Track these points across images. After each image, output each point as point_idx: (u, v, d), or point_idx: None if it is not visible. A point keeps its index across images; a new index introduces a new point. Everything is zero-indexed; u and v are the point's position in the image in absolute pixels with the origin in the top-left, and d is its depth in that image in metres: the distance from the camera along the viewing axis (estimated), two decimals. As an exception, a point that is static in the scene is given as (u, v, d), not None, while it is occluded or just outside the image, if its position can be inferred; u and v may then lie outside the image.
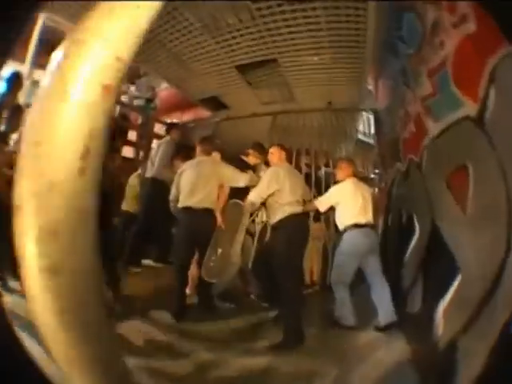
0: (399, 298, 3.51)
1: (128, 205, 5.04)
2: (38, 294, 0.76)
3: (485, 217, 1.89)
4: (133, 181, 5.21)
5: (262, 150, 4.48)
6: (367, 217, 3.75)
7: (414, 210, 3.26)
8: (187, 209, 3.90)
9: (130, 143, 6.36)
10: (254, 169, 4.38)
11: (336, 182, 4.17)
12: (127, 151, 6.24)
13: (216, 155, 4.28)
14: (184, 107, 6.90)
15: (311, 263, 5.06)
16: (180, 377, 2.67)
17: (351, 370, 2.77)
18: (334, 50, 4.46)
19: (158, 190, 4.75)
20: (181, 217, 4.01)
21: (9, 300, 2.00)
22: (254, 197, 3.74)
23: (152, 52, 4.83)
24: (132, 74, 6.44)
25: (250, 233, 4.54)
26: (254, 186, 3.87)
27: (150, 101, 6.55)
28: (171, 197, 4.14)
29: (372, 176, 5.73)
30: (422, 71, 2.81)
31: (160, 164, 4.92)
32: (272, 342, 3.21)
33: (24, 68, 4.74)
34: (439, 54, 2.45)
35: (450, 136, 2.35)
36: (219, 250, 3.88)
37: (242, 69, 4.97)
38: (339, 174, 4.08)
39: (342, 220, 3.79)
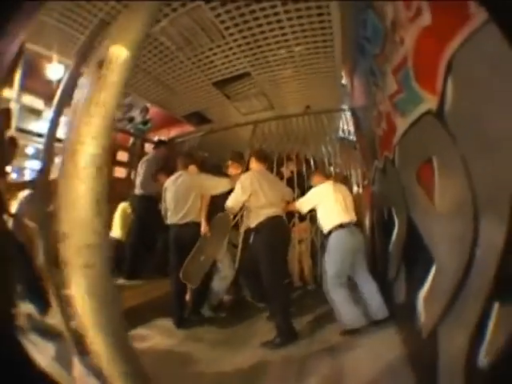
0: (387, 290, 3.52)
1: (116, 232, 5.02)
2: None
3: (451, 208, 1.91)
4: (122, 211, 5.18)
5: (241, 159, 4.54)
6: (350, 215, 3.70)
7: (392, 205, 3.27)
8: (173, 226, 4.01)
9: (120, 164, 6.35)
10: None
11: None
12: (119, 172, 6.26)
13: (192, 168, 4.28)
14: (170, 124, 6.93)
15: (300, 264, 5.05)
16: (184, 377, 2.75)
17: (344, 359, 2.83)
18: (303, 57, 4.51)
19: (147, 205, 4.80)
20: (170, 233, 4.03)
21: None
22: (231, 202, 3.79)
23: (134, 78, 4.88)
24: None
25: (233, 243, 4.60)
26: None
27: (146, 122, 6.58)
28: (163, 213, 4.19)
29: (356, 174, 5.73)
30: (387, 70, 2.81)
31: (144, 180, 4.95)
32: (265, 339, 3.28)
33: (12, 93, 4.74)
34: (400, 51, 2.45)
35: (414, 131, 2.36)
36: (202, 258, 3.86)
37: (219, 85, 5.03)
38: (313, 182, 4.10)
39: (326, 222, 3.71)
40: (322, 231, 3.95)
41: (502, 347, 1.31)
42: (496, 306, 1.41)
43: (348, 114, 5.70)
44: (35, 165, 5.21)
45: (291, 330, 3.31)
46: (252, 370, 2.81)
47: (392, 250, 3.32)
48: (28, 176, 6.69)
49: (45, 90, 5.40)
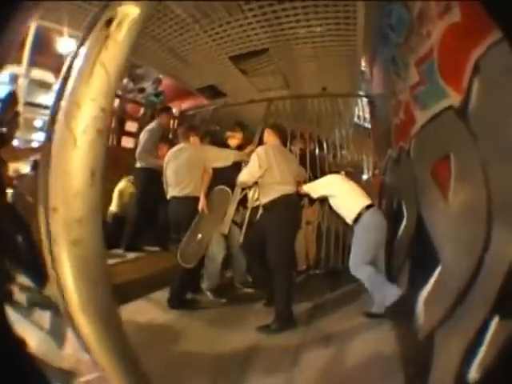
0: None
1: (117, 207, 5.01)
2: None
3: (464, 211, 1.89)
4: (124, 186, 5.16)
5: (241, 129, 4.51)
6: (371, 199, 3.59)
7: (403, 198, 3.26)
8: (172, 199, 3.88)
9: (129, 134, 6.28)
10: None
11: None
12: (126, 142, 6.20)
13: (194, 139, 4.12)
14: (183, 96, 6.83)
15: (306, 247, 4.94)
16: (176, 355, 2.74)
17: (337, 351, 2.83)
18: (325, 38, 4.41)
19: (148, 178, 4.67)
20: (168, 207, 3.96)
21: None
22: (244, 177, 3.69)
23: (146, 47, 4.79)
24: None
25: (235, 222, 4.37)
26: (241, 163, 3.91)
27: (158, 94, 6.49)
28: (164, 186, 4.06)
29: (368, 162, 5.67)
30: (411, 61, 2.76)
31: (142, 150, 4.74)
32: (262, 322, 3.24)
33: (21, 68, 4.68)
34: (426, 44, 2.40)
35: (434, 125, 2.33)
36: (199, 236, 3.75)
37: (236, 59, 4.93)
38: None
39: (350, 208, 3.55)
40: (336, 216, 3.88)
41: (493, 363, 1.31)
42: (495, 319, 1.40)
43: (364, 100, 5.61)
44: (42, 137, 5.25)
45: (290, 316, 3.27)
46: (246, 353, 2.79)
47: (398, 243, 3.33)
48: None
49: (55, 65, 5.37)
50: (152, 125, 5.00)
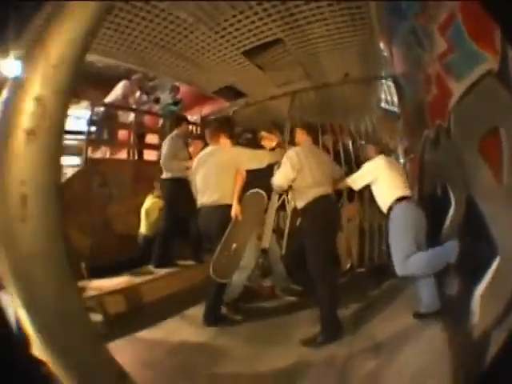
0: (436, 280, 3.14)
1: (145, 228, 4.91)
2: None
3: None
4: (149, 205, 5.02)
5: (277, 129, 4.18)
6: (410, 190, 3.34)
7: (447, 180, 2.94)
8: (202, 207, 3.58)
9: (150, 146, 6.27)
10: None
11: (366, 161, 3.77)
12: (149, 154, 6.19)
13: (224, 141, 3.75)
14: (202, 102, 6.75)
15: (348, 246, 4.73)
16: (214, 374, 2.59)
17: (387, 361, 2.56)
18: (337, 19, 4.19)
19: (175, 188, 4.52)
20: (198, 217, 3.65)
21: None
22: (279, 180, 3.46)
23: (155, 57, 4.81)
24: (140, 81, 6.39)
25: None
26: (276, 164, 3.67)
27: (177, 103, 6.42)
28: (194, 194, 3.79)
29: (401, 146, 5.36)
30: (433, 29, 2.52)
31: (166, 158, 4.55)
32: (306, 335, 2.99)
33: None
34: (446, 7, 2.20)
35: (474, 96, 2.05)
36: (233, 246, 3.42)
37: (249, 54, 4.78)
38: (369, 154, 3.73)
39: (386, 197, 3.32)
40: (378, 211, 3.61)
41: None
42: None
43: (390, 83, 5.31)
44: (72, 161, 5.19)
45: (337, 325, 3.02)
46: (290, 370, 2.56)
47: (445, 233, 3.00)
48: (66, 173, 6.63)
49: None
50: (172, 134, 4.83)
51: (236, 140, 4.16)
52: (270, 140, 4.04)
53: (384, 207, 3.33)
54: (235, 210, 3.46)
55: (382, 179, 3.37)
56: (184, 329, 3.30)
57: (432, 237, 3.31)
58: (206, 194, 3.55)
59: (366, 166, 3.57)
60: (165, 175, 4.58)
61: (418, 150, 4.05)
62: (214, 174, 3.55)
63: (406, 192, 3.26)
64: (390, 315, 3.29)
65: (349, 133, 5.30)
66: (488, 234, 1.95)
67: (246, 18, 4.07)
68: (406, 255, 3.05)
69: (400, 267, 3.08)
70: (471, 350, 2.06)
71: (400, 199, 3.19)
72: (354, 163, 4.70)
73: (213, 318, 3.37)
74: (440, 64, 2.56)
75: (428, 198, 3.79)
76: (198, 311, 3.49)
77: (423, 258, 3.00)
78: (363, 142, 5.17)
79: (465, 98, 2.17)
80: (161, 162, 4.62)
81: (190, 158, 4.42)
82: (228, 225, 3.43)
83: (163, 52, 4.70)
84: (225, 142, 3.74)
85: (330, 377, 2.49)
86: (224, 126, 3.96)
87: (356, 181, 3.56)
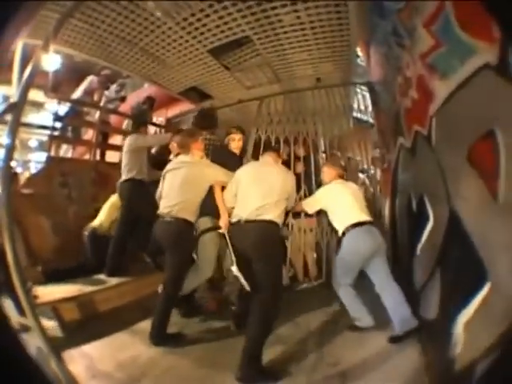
0: (412, 298, 2.93)
1: (102, 225, 4.38)
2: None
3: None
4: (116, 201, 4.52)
5: (241, 131, 3.89)
6: (364, 215, 3.31)
7: (425, 193, 2.61)
8: (160, 216, 3.34)
9: (114, 148, 5.86)
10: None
11: (321, 185, 3.78)
12: (111, 156, 5.78)
13: (197, 152, 3.54)
14: (169, 103, 6.42)
15: (304, 257, 4.67)
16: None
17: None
18: (313, 19, 3.90)
19: (136, 190, 4.22)
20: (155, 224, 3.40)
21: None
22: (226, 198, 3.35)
23: (121, 52, 4.49)
24: (106, 79, 5.99)
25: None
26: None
27: (123, 99, 6.06)
28: (156, 199, 3.57)
29: (375, 155, 5.09)
30: (417, 23, 2.22)
31: (129, 163, 4.28)
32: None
33: (12, 88, 4.30)
34: None
35: (465, 95, 1.70)
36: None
37: (216, 52, 4.44)
38: (324, 178, 3.73)
39: (339, 223, 3.34)
40: (335, 235, 3.73)
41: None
42: None
43: (364, 91, 5.05)
44: (39, 157, 4.94)
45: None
46: None
47: (423, 250, 2.67)
48: (33, 168, 6.44)
49: (43, 82, 5.22)
50: (131, 138, 4.45)
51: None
52: (236, 141, 3.78)
53: (339, 232, 3.35)
54: (224, 221, 3.25)
55: (335, 205, 3.41)
56: (134, 344, 3.07)
57: (409, 254, 3.05)
58: (167, 203, 3.32)
59: (320, 192, 3.62)
60: (124, 176, 4.23)
61: (391, 160, 3.77)
62: (179, 185, 3.33)
63: (361, 217, 3.26)
64: (358, 337, 3.02)
65: (313, 146, 5.09)
66: (475, 256, 1.62)
67: (215, 13, 3.73)
68: (344, 281, 3.24)
69: (335, 286, 3.33)
70: (454, 381, 1.75)
71: (352, 226, 3.21)
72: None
73: (159, 338, 3.10)
74: (423, 63, 2.24)
75: (402, 214, 3.51)
76: (147, 326, 3.21)
77: (353, 299, 3.24)
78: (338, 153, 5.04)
79: (453, 97, 1.82)
80: (124, 163, 4.30)
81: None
82: (181, 240, 3.27)
83: (129, 47, 4.38)
84: (197, 153, 3.54)
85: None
86: (195, 133, 3.71)
87: (309, 205, 3.64)
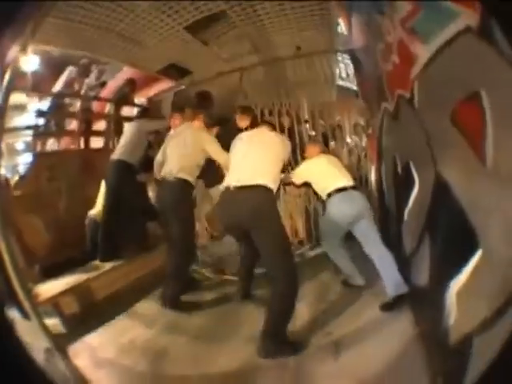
0: (402, 265, 2.92)
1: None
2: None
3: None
4: None
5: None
6: (346, 180, 3.40)
7: (410, 158, 2.58)
8: (162, 180, 3.59)
9: (97, 133, 5.75)
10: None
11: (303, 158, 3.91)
12: (95, 142, 5.66)
13: (200, 124, 3.82)
14: (150, 83, 6.26)
15: (292, 221, 4.75)
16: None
17: (348, 358, 2.34)
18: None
19: (125, 172, 4.21)
20: (158, 189, 3.79)
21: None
22: None
23: (96, 40, 4.37)
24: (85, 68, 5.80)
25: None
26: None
27: (103, 84, 5.91)
28: (156, 164, 3.78)
29: (358, 122, 5.05)
30: (396, -11, 2.10)
31: (129, 145, 4.32)
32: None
33: None
34: None
35: (447, 57, 1.64)
36: None
37: (192, 29, 4.33)
38: (308, 155, 3.84)
39: (322, 190, 3.45)
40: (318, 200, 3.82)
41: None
42: None
43: (346, 59, 4.95)
44: (27, 159, 5.04)
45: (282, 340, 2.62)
46: (239, 372, 2.36)
47: (410, 216, 2.66)
48: (22, 170, 6.34)
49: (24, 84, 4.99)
50: (136, 125, 4.57)
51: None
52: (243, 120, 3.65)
53: (323, 198, 3.48)
54: None
55: (318, 176, 3.51)
56: (133, 327, 3.13)
57: (397, 219, 3.03)
58: (169, 166, 3.55)
59: (304, 164, 3.73)
60: (117, 156, 4.24)
61: (375, 126, 3.72)
62: (183, 149, 3.56)
63: (342, 183, 3.35)
64: (350, 307, 3.02)
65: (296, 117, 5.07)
66: (465, 222, 1.58)
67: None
68: (332, 241, 3.39)
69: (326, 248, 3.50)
70: (449, 357, 1.73)
71: (334, 191, 3.31)
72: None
73: (176, 301, 3.30)
74: (403, 28, 2.16)
75: (388, 180, 3.51)
76: (144, 307, 3.45)
77: (344, 261, 3.40)
78: (322, 122, 5.06)
79: (434, 60, 1.76)
80: (122, 144, 4.38)
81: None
82: (183, 198, 3.49)
83: (104, 34, 4.26)
84: (200, 124, 3.82)
85: (283, 378, 2.25)
86: (203, 107, 4.10)
87: (295, 176, 3.70)
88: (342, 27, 4.41)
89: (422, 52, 1.92)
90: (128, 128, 4.47)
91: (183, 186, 3.45)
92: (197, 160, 3.58)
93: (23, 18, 1.68)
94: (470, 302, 1.59)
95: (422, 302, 2.43)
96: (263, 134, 3.26)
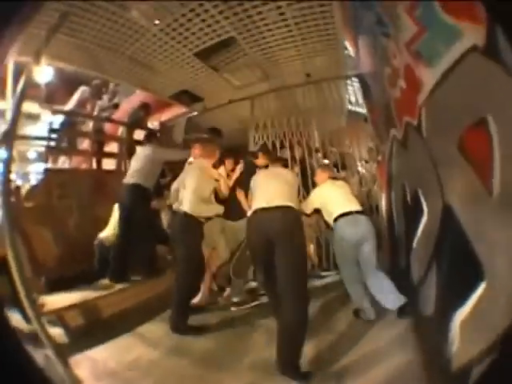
0: (410, 296, 2.83)
1: (109, 237, 4.35)
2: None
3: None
4: None
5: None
6: (353, 205, 3.39)
7: (418, 186, 2.45)
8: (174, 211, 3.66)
9: (109, 155, 5.77)
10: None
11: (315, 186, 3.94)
12: (108, 164, 5.69)
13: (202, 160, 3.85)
14: (162, 108, 6.30)
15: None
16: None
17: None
18: (296, 16, 3.80)
19: (140, 195, 4.18)
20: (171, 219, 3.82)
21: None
22: None
23: (109, 61, 4.39)
24: (98, 88, 5.91)
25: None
26: None
27: (116, 106, 5.98)
28: (172, 191, 3.85)
29: (370, 146, 4.94)
30: (400, 11, 2.07)
31: (144, 170, 4.29)
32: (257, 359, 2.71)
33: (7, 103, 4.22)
34: None
35: (453, 81, 1.54)
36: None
37: (202, 55, 4.33)
38: (317, 181, 3.88)
39: (329, 215, 3.44)
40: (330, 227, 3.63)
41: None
42: None
43: (355, 82, 4.89)
44: (38, 168, 5.17)
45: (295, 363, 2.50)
46: None
47: (419, 244, 2.52)
48: (33, 180, 6.36)
49: (38, 94, 5.27)
50: (148, 151, 4.47)
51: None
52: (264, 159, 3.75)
53: (331, 225, 3.46)
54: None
55: (326, 203, 3.48)
56: (136, 346, 3.07)
57: (406, 247, 2.93)
58: (180, 200, 3.59)
59: (313, 193, 3.74)
60: (131, 180, 4.21)
61: (385, 153, 3.61)
62: (186, 182, 3.63)
63: (347, 208, 3.34)
64: (357, 337, 2.89)
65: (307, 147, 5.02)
66: (471, 253, 1.46)
67: (197, 16, 3.64)
68: (348, 273, 3.32)
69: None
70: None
71: (339, 216, 3.31)
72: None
73: (183, 326, 3.27)
74: (408, 52, 2.08)
75: (397, 206, 3.39)
76: (150, 329, 3.38)
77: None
78: (333, 149, 5.01)
79: (440, 86, 1.66)
80: (136, 168, 4.32)
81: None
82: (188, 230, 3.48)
83: (116, 56, 4.28)
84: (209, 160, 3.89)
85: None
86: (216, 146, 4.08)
87: (306, 206, 3.65)
88: (350, 51, 4.37)
89: (428, 77, 1.83)
90: (143, 153, 4.42)
91: (190, 220, 3.47)
92: (206, 194, 3.65)
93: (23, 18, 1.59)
94: (473, 333, 1.53)
95: (428, 330, 2.29)
96: (278, 169, 3.41)
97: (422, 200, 2.35)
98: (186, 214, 3.45)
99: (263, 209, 2.85)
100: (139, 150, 4.50)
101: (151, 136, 4.99)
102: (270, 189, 3.02)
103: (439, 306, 2.05)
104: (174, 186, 3.80)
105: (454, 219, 1.69)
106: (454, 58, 1.48)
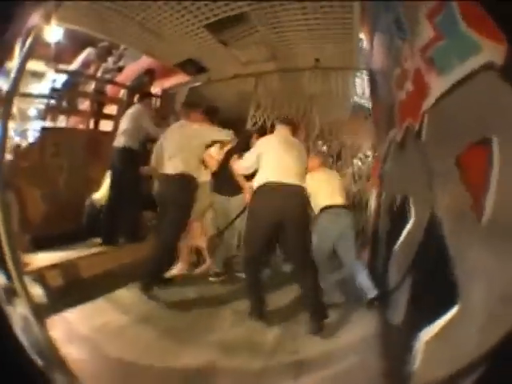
0: (383, 298, 2.85)
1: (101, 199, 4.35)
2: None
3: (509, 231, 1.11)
4: None
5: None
6: (337, 198, 3.46)
7: (409, 191, 2.42)
8: (161, 177, 3.60)
9: (107, 117, 5.59)
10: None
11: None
12: (105, 125, 5.52)
13: (195, 115, 3.83)
14: (166, 75, 6.19)
15: None
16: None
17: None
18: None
19: (129, 159, 4.17)
20: (155, 186, 3.75)
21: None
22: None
23: (118, 26, 4.31)
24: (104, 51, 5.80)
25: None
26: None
27: (120, 69, 5.88)
28: (152, 163, 3.80)
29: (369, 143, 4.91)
30: (420, 15, 2.00)
31: (129, 131, 4.27)
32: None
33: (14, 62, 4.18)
34: None
35: (462, 94, 1.49)
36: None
37: (212, 28, 4.23)
38: (309, 168, 3.65)
39: (315, 206, 3.42)
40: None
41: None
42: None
43: (365, 75, 4.80)
44: (37, 126, 5.00)
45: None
46: (197, 374, 2.31)
47: (400, 249, 2.51)
48: (30, 137, 6.35)
49: (45, 53, 4.88)
50: (133, 110, 4.52)
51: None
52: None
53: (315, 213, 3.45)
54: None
55: (315, 189, 3.42)
56: (108, 311, 3.08)
57: (387, 249, 2.87)
58: (169, 164, 3.52)
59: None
60: (118, 143, 4.21)
61: (381, 152, 3.58)
62: (181, 144, 3.58)
63: (331, 201, 3.40)
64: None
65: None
66: (450, 274, 1.44)
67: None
68: (320, 260, 3.17)
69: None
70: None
71: (323, 209, 3.35)
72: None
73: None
74: (421, 56, 2.03)
75: (384, 208, 3.40)
76: (124, 293, 3.39)
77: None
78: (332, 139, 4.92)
79: (448, 95, 1.61)
80: (122, 130, 4.33)
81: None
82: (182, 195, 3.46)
83: (126, 21, 4.20)
84: (195, 117, 3.82)
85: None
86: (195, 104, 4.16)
87: None
88: (364, 44, 4.27)
89: (437, 85, 1.77)
90: (130, 111, 4.45)
91: (182, 179, 3.46)
92: (197, 152, 3.62)
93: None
94: (436, 356, 1.52)
95: (393, 339, 2.31)
96: (290, 138, 3.36)
97: (411, 205, 2.33)
98: (183, 174, 3.42)
99: (276, 184, 2.86)
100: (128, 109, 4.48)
101: (143, 97, 4.93)
102: (284, 162, 3.00)
103: (408, 318, 2.06)
104: (158, 146, 3.77)
105: (439, 232, 1.65)
106: (468, 71, 1.43)
